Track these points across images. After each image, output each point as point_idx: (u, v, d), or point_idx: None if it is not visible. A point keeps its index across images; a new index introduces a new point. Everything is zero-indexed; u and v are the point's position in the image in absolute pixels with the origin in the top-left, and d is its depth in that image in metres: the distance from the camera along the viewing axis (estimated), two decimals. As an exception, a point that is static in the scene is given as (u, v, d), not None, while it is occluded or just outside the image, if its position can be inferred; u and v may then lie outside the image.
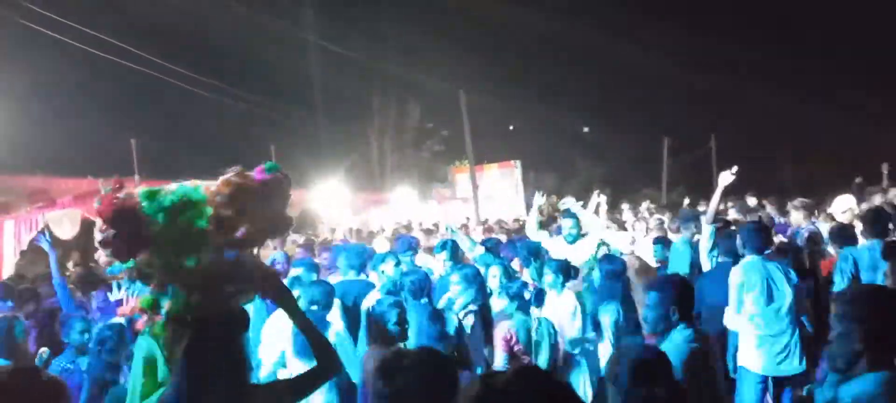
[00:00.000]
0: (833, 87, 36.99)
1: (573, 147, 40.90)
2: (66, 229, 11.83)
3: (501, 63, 41.88)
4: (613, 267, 5.69)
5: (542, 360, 4.82)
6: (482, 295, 5.21)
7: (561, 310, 5.47)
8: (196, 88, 18.99)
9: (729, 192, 7.84)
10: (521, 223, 15.65)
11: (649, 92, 43.91)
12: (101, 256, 6.81)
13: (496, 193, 27.83)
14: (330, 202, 20.01)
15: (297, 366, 4.53)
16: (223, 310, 2.73)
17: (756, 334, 5.05)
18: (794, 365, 5.02)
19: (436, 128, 34.72)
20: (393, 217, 20.31)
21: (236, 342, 2.70)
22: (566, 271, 5.82)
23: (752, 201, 12.43)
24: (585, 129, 41.82)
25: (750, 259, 5.19)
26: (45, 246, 6.59)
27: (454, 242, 6.76)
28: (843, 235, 6.24)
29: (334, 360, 2.96)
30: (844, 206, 8.68)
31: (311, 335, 2.94)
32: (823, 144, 37.18)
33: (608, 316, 5.34)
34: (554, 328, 5.05)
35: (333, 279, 6.33)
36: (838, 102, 35.68)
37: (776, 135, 40.32)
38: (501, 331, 4.87)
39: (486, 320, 5.23)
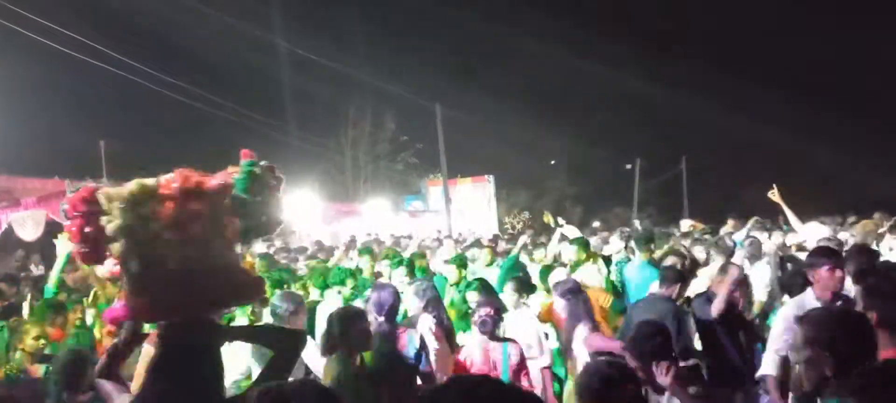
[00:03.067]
0: (803, 113, 37.76)
1: (546, 164, 41.17)
2: (30, 230, 11.58)
3: (477, 78, 42.09)
4: (569, 285, 5.62)
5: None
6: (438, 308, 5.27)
7: (522, 330, 5.46)
8: (168, 91, 18.75)
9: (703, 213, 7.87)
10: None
11: (622, 113, 44.36)
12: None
13: (468, 207, 27.88)
14: (301, 211, 19.79)
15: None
16: (193, 320, 2.58)
17: None
18: None
19: (410, 141, 34.69)
20: (364, 228, 20.18)
21: (208, 354, 2.57)
22: (527, 287, 5.89)
23: (731, 222, 12.46)
24: (552, 162, 42.21)
25: None
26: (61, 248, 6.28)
27: (411, 259, 7.03)
28: None
29: (292, 337, 2.91)
30: (820, 234, 8.51)
31: (261, 337, 2.91)
32: (792, 169, 37.89)
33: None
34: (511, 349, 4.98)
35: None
36: (808, 128, 36.41)
37: (744, 159, 40.98)
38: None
39: (448, 332, 5.27)
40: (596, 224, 16.07)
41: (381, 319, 4.56)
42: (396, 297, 4.85)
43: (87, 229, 2.57)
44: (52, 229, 12.12)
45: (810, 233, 8.36)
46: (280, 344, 2.83)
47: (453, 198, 26.19)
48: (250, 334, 2.97)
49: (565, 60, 42.75)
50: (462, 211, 26.85)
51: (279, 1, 31.97)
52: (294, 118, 28.64)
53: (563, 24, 45.09)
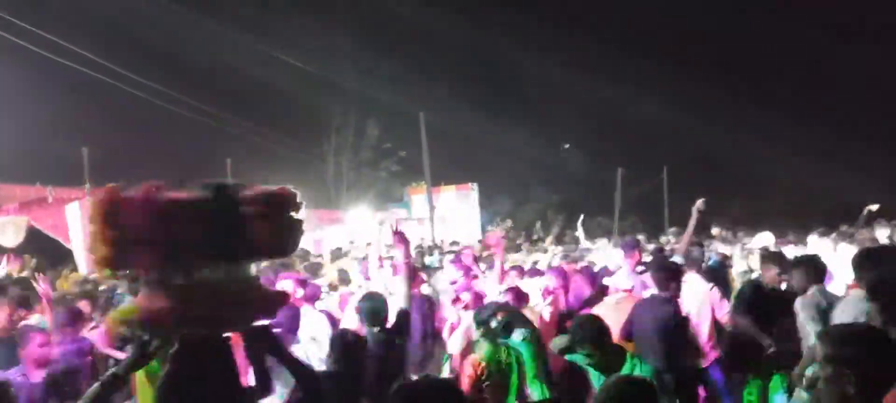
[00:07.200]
0: (785, 124, 38.16)
1: (529, 172, 41.26)
2: (10, 236, 11.49)
3: (460, 86, 42.14)
4: None
5: (513, 389, 4.56)
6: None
7: None
8: (151, 97, 18.66)
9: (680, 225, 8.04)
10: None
11: (605, 121, 44.66)
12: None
13: (452, 215, 27.85)
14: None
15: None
16: (213, 335, 2.50)
17: None
18: None
19: (393, 149, 34.68)
20: (347, 236, 20.15)
21: (225, 371, 2.49)
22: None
23: (715, 231, 12.70)
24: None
25: None
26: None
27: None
28: None
29: (317, 385, 2.86)
30: (762, 243, 8.88)
31: (293, 367, 2.81)
32: (775, 179, 38.27)
33: None
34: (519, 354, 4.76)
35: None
36: (790, 138, 36.77)
37: (726, 170, 41.32)
38: (468, 367, 4.56)
39: None
40: (578, 233, 16.04)
41: (376, 329, 4.57)
42: (385, 306, 4.72)
43: (111, 233, 2.40)
44: (33, 235, 12.05)
45: (757, 242, 8.97)
46: (304, 384, 2.79)
47: (436, 206, 26.16)
48: (287, 358, 2.82)
49: (549, 69, 42.98)
50: (444, 219, 26.78)
51: (263, 8, 31.90)
52: (277, 125, 28.55)
53: (547, 33, 45.48)
